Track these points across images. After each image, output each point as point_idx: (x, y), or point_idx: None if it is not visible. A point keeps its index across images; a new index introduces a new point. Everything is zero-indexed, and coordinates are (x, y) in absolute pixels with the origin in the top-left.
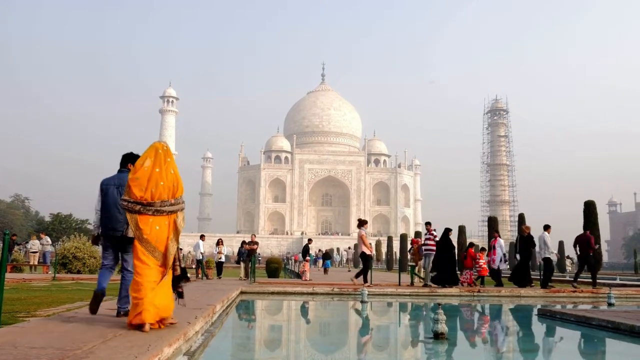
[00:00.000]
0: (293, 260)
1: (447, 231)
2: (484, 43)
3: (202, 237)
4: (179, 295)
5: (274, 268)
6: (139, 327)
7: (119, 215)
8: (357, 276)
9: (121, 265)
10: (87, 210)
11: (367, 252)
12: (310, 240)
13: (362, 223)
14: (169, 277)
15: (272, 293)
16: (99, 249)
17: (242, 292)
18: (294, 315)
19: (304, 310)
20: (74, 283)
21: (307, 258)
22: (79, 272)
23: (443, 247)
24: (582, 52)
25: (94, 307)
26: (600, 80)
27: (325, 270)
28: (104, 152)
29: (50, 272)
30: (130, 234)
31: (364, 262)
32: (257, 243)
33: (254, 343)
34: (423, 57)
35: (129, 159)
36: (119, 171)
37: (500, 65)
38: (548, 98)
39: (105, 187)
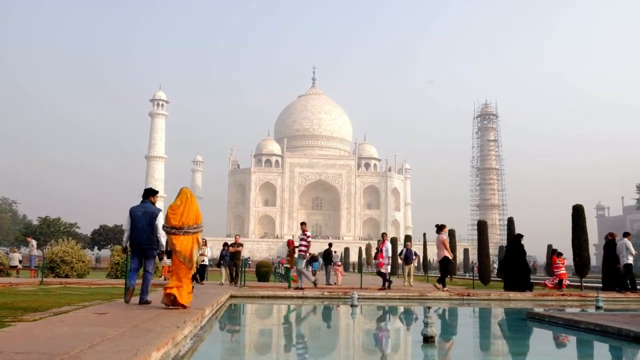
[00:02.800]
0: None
1: (519, 237)
2: (474, 48)
3: None
4: (197, 281)
5: (264, 272)
6: (175, 303)
7: (144, 234)
8: (439, 281)
9: (143, 268)
10: (76, 213)
11: (450, 256)
12: (330, 245)
13: (441, 228)
14: (188, 278)
15: (262, 297)
16: (86, 253)
17: (231, 296)
18: (283, 319)
19: (294, 315)
20: (61, 287)
21: (339, 263)
22: (67, 276)
23: (514, 253)
24: (571, 59)
25: (127, 299)
26: (588, 88)
27: (313, 273)
28: (94, 154)
29: (37, 277)
30: (169, 247)
31: (445, 267)
32: (241, 244)
33: (244, 347)
34: (413, 61)
35: (150, 193)
36: (142, 201)
37: (491, 70)
38: (537, 103)
39: (134, 214)
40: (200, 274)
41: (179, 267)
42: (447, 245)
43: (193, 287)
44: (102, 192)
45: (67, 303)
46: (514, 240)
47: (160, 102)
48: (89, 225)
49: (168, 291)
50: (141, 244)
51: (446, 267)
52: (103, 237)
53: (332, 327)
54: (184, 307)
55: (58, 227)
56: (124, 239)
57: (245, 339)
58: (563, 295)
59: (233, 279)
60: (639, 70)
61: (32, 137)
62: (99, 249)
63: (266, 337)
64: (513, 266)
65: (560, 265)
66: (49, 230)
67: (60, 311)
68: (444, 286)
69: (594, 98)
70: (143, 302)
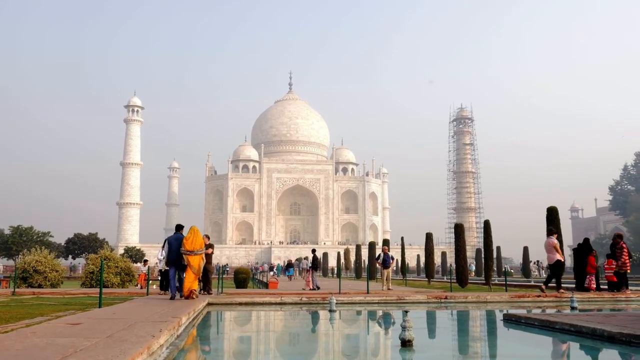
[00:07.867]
0: (260, 271)
1: (587, 240)
2: (451, 51)
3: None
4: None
5: (242, 278)
6: (188, 296)
7: (177, 256)
8: (558, 287)
9: (178, 276)
10: (49, 221)
11: (562, 259)
12: (314, 251)
13: (551, 232)
14: (196, 280)
15: (240, 304)
16: (60, 262)
17: (209, 304)
18: (262, 325)
19: (272, 321)
20: (34, 297)
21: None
22: (40, 286)
23: (584, 256)
24: (546, 62)
25: (173, 296)
26: (561, 95)
27: (290, 277)
28: (69, 160)
29: (9, 287)
30: (185, 262)
31: (557, 270)
32: (212, 246)
33: (222, 355)
34: (389, 66)
35: (180, 227)
36: (175, 232)
37: (467, 75)
38: (512, 109)
39: (170, 241)
40: (162, 281)
41: (192, 275)
42: (559, 248)
43: (199, 287)
44: (77, 199)
45: (40, 314)
46: (583, 244)
47: (135, 108)
48: (63, 234)
49: (188, 287)
50: (175, 261)
51: (559, 269)
52: (77, 245)
53: (311, 332)
54: (196, 295)
55: (31, 236)
56: (162, 259)
57: (222, 347)
58: (539, 296)
59: (203, 287)
60: (611, 80)
61: (4, 140)
62: (74, 258)
63: (244, 344)
64: (583, 268)
65: (609, 267)
66: (21, 240)
67: (33, 322)
68: (559, 289)
69: (568, 105)
70: (182, 296)
